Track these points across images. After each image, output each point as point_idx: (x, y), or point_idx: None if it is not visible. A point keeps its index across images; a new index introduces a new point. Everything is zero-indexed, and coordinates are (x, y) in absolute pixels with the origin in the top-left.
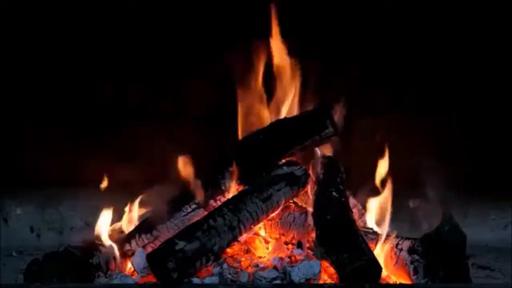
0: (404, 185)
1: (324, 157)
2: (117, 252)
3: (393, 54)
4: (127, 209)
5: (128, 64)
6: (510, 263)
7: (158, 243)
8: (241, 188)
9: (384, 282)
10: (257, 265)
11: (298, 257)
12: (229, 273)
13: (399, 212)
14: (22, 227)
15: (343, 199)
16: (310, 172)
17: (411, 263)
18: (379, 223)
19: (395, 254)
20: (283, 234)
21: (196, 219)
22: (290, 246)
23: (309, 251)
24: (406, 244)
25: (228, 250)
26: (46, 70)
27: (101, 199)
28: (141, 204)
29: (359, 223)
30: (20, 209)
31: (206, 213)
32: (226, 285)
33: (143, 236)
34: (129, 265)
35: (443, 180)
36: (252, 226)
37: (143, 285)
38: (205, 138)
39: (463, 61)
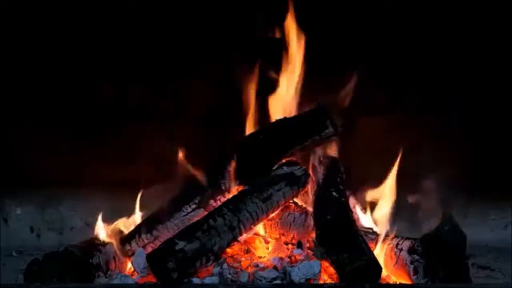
0: (404, 185)
1: (324, 157)
2: (117, 252)
3: (393, 54)
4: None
5: (128, 64)
6: (510, 263)
7: (158, 243)
8: (241, 188)
9: (384, 282)
10: (257, 265)
11: (298, 257)
12: (229, 273)
13: (399, 212)
14: (22, 227)
15: (343, 199)
16: (310, 172)
17: (411, 263)
18: (379, 223)
19: (395, 254)
20: (283, 234)
21: (196, 219)
22: (290, 246)
23: (309, 251)
24: (406, 244)
25: (228, 250)
26: (46, 70)
27: (101, 199)
28: (142, 204)
29: (359, 223)
30: (20, 209)
31: (206, 213)
32: (226, 285)
33: (143, 236)
34: (129, 265)
35: (443, 180)
36: (252, 226)
37: (143, 285)
38: (205, 138)
39: (463, 61)
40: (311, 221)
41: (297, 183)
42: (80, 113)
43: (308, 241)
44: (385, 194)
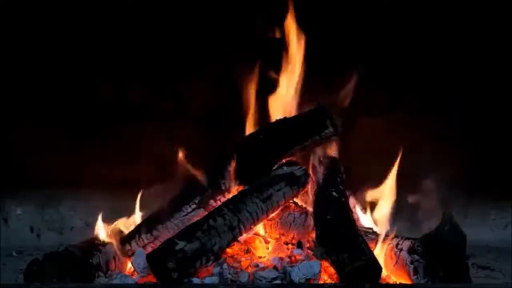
0: (404, 185)
1: (324, 157)
2: (117, 252)
3: (393, 54)
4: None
5: (128, 64)
6: (510, 263)
7: (158, 243)
8: (241, 188)
9: (384, 282)
10: (257, 265)
11: (298, 257)
12: (229, 273)
13: (399, 212)
14: (22, 227)
15: (343, 199)
16: (310, 172)
17: (411, 263)
18: (379, 223)
19: (395, 254)
20: (283, 234)
21: (196, 219)
22: (290, 246)
23: (309, 251)
24: (406, 244)
25: (228, 250)
26: (46, 70)
27: (101, 199)
28: (142, 204)
29: (359, 223)
30: (20, 209)
31: (206, 213)
32: (226, 285)
33: (143, 236)
34: (129, 265)
35: (443, 180)
36: (252, 226)
37: (143, 285)
38: (205, 138)
39: (463, 61)
40: (311, 221)
41: (297, 183)
42: (80, 113)
43: (308, 241)
44: (385, 194)
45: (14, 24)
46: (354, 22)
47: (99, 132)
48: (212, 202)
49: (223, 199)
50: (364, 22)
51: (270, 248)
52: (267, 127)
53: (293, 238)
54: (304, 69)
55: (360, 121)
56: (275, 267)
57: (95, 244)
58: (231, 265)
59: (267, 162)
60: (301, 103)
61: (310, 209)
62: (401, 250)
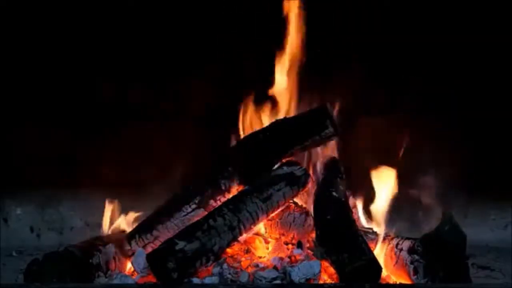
0: (404, 185)
1: (324, 157)
2: (117, 252)
3: (393, 54)
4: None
5: (128, 64)
6: (510, 263)
7: (158, 243)
8: (241, 188)
9: (384, 282)
10: (257, 265)
11: (298, 257)
12: (229, 273)
13: (399, 212)
14: (22, 227)
15: (343, 199)
16: (310, 172)
17: (411, 263)
18: (379, 223)
19: (395, 254)
20: (283, 234)
21: (196, 219)
22: (290, 246)
23: (309, 251)
24: (406, 244)
25: (228, 250)
26: (46, 70)
27: (101, 199)
28: (142, 204)
29: (359, 223)
30: (20, 209)
31: (206, 213)
32: (226, 285)
33: (143, 236)
34: (129, 265)
35: (443, 180)
36: (252, 226)
37: (143, 285)
38: (205, 138)
39: (463, 61)
40: (311, 221)
41: (297, 183)
42: (80, 113)
43: (308, 241)
44: (384, 193)
45: (14, 24)
46: (354, 22)
47: (99, 132)
48: (212, 202)
49: (223, 199)
50: (364, 22)
51: (270, 248)
52: (267, 127)
53: (293, 238)
54: (304, 69)
55: (360, 121)
56: (275, 267)
57: (95, 244)
58: (231, 265)
59: (267, 162)
60: (301, 103)
61: (310, 209)
62: (401, 250)
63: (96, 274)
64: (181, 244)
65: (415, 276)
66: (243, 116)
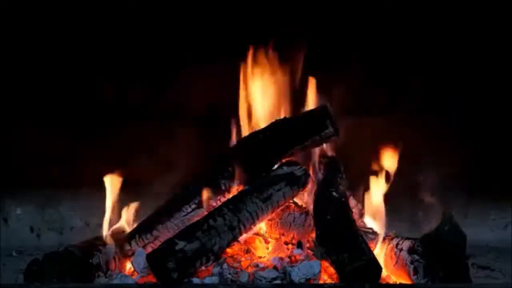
0: (404, 185)
1: (324, 157)
2: (117, 252)
3: (393, 54)
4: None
5: (128, 64)
6: (510, 263)
7: (158, 243)
8: (241, 188)
9: (384, 282)
10: (257, 265)
11: (298, 257)
12: (229, 273)
13: (399, 212)
14: (22, 227)
15: (343, 199)
16: (310, 172)
17: (411, 263)
18: (379, 223)
19: (395, 254)
20: (283, 234)
21: (196, 219)
22: (290, 246)
23: (309, 251)
24: (406, 244)
25: (228, 250)
26: (46, 70)
27: (101, 199)
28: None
29: (359, 223)
30: (20, 209)
31: (206, 213)
32: (226, 285)
33: (143, 236)
34: (129, 265)
35: (443, 180)
36: (252, 226)
37: (143, 285)
38: (205, 138)
39: (463, 61)
40: (311, 221)
41: (297, 183)
42: (80, 113)
43: (308, 241)
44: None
45: (14, 24)
46: (354, 22)
47: (99, 132)
48: (212, 202)
49: (223, 199)
50: (364, 22)
51: (270, 248)
52: (267, 127)
53: (293, 238)
54: (304, 69)
55: (360, 121)
56: (275, 267)
57: (95, 244)
58: (231, 265)
59: (267, 162)
60: (300, 103)
61: (310, 209)
62: (401, 250)
63: (96, 274)
64: (181, 244)
65: (415, 276)
66: (244, 116)
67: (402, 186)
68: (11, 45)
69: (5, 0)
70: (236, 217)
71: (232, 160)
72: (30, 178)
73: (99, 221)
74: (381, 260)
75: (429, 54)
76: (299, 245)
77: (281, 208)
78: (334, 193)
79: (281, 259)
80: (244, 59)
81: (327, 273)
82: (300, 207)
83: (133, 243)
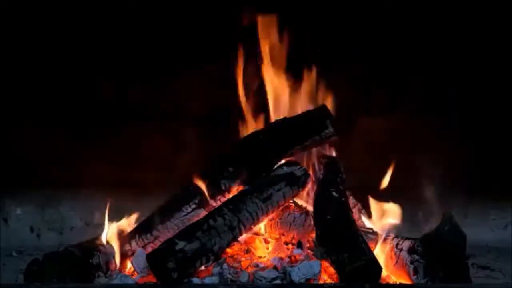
0: (404, 186)
1: (324, 157)
2: (117, 252)
3: (393, 54)
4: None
5: (128, 64)
6: (510, 263)
7: (158, 243)
8: (241, 188)
9: (384, 282)
10: (257, 265)
11: (298, 257)
12: (229, 273)
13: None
14: (22, 227)
15: (343, 199)
16: (310, 172)
17: (411, 263)
18: (378, 223)
19: (395, 254)
20: (283, 234)
21: (196, 219)
22: (290, 246)
23: (309, 251)
24: (406, 244)
25: (228, 250)
26: (46, 70)
27: (101, 199)
28: (142, 204)
29: (359, 223)
30: (20, 209)
31: (206, 213)
32: (226, 285)
33: (143, 236)
34: (129, 265)
35: (443, 180)
36: (252, 226)
37: (143, 285)
38: (205, 138)
39: (463, 61)
40: (311, 221)
41: (297, 183)
42: (80, 113)
43: (308, 241)
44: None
45: (14, 24)
46: (354, 22)
47: (99, 132)
48: (212, 202)
49: (223, 199)
50: (364, 22)
51: (270, 248)
52: (267, 127)
53: (293, 238)
54: (304, 69)
55: (360, 121)
56: (275, 267)
57: (95, 244)
58: (231, 265)
59: (267, 162)
60: (301, 103)
61: (310, 209)
62: (401, 250)
63: (96, 274)
64: (181, 244)
65: (415, 276)
66: (244, 116)
67: (401, 187)
68: (11, 45)
69: (5, 0)
70: (236, 217)
71: (232, 160)
72: (30, 178)
73: (99, 221)
74: (381, 260)
75: (429, 54)
76: (299, 245)
77: (281, 208)
78: (334, 193)
79: (281, 259)
80: (243, 59)
81: (327, 273)
82: (300, 207)
83: (133, 243)
